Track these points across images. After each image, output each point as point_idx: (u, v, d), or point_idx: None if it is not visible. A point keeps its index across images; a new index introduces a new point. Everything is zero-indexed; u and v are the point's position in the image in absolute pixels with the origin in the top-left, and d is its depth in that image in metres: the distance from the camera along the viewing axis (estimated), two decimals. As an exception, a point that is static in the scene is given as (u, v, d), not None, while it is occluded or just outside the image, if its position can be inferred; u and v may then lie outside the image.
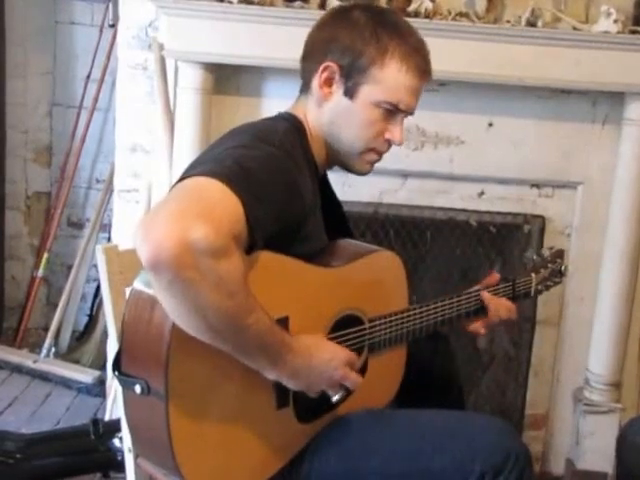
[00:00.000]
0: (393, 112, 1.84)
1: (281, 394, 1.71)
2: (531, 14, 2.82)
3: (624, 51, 2.80)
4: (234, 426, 1.65)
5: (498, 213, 3.07)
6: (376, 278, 1.94)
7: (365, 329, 1.86)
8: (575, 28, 2.86)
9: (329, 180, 2.05)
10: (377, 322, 1.88)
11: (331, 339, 1.78)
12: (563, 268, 2.29)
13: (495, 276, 2.16)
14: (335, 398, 1.74)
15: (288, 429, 1.76)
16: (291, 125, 1.84)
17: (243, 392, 1.65)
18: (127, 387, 1.63)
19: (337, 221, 2.03)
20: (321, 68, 1.83)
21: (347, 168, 1.94)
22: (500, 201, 3.06)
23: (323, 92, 1.84)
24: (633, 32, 2.84)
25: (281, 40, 2.68)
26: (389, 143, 1.89)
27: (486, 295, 2.10)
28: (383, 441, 1.78)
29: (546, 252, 2.29)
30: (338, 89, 1.83)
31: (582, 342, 3.10)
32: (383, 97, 1.81)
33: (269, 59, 2.76)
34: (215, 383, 1.61)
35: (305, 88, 1.90)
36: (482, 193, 3.05)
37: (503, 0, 2.89)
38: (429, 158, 2.97)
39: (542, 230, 3.07)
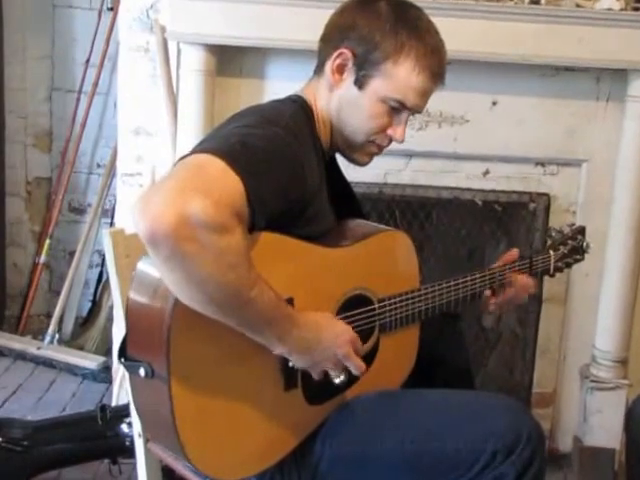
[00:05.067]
0: (399, 109, 1.84)
1: (288, 376, 1.71)
2: (534, -9, 2.81)
3: (627, 28, 2.78)
4: (240, 408, 1.65)
5: (503, 192, 3.05)
6: (385, 258, 1.94)
7: (375, 309, 1.86)
8: (578, 5, 2.84)
9: (338, 163, 2.04)
10: (387, 302, 1.87)
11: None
12: (585, 245, 2.27)
13: (513, 253, 2.14)
14: (337, 380, 1.73)
15: (297, 411, 1.75)
16: (299, 107, 1.83)
17: (248, 374, 1.65)
18: (132, 371, 1.64)
19: (348, 203, 2.03)
20: (335, 54, 1.82)
21: (346, 156, 1.94)
22: (505, 180, 3.05)
23: (334, 78, 1.84)
24: (636, 9, 2.83)
25: (284, 21, 2.67)
26: (390, 139, 1.89)
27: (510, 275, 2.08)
28: (395, 423, 1.79)
29: (566, 229, 2.26)
30: (349, 77, 1.83)
31: (588, 319, 3.10)
32: (391, 94, 1.81)
33: (272, 40, 2.74)
34: (218, 365, 1.61)
35: (319, 70, 1.90)
36: (487, 172, 3.04)
37: (506, -22, 2.88)
38: (433, 137, 2.95)
39: (547, 208, 3.05)
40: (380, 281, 1.88)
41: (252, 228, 1.57)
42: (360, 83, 1.82)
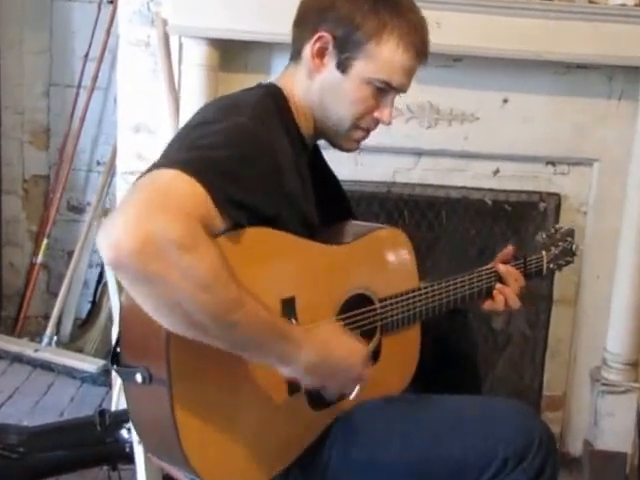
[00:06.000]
0: (384, 90, 1.78)
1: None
2: (547, -13, 2.76)
3: (640, 24, 2.74)
4: (244, 412, 1.59)
5: (513, 191, 3.02)
6: (383, 256, 1.91)
7: (376, 309, 1.82)
8: (591, 1, 2.80)
9: (322, 154, 1.99)
10: (388, 302, 1.84)
11: (341, 320, 1.73)
12: (574, 247, 2.24)
13: (509, 249, 2.11)
14: (352, 396, 1.70)
15: (302, 417, 1.70)
16: (266, 93, 1.76)
17: (252, 376, 1.59)
18: (128, 379, 1.57)
19: (335, 199, 1.98)
20: (314, 38, 1.75)
21: (333, 144, 1.87)
22: (515, 179, 3.01)
23: (314, 63, 1.76)
24: (650, 5, 2.79)
25: (290, 14, 2.59)
26: (377, 122, 1.83)
27: (501, 267, 2.05)
28: (402, 428, 1.74)
29: (555, 231, 2.24)
30: (330, 61, 1.75)
31: (599, 321, 3.06)
32: (376, 74, 1.75)
33: (278, 34, 2.63)
34: (221, 368, 1.54)
35: (295, 56, 1.82)
36: (497, 171, 3.00)
37: (519, -27, 2.83)
38: (443, 136, 2.91)
39: (558, 208, 3.02)
40: (379, 280, 1.85)
41: (240, 226, 1.52)
42: (343, 66, 1.75)
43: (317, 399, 1.71)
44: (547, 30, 2.73)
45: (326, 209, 1.87)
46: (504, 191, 3.02)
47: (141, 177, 1.47)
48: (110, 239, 1.34)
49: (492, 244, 3.09)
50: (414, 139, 2.86)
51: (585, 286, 3.08)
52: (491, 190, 3.01)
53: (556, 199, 3.01)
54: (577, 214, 3.03)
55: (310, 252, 1.71)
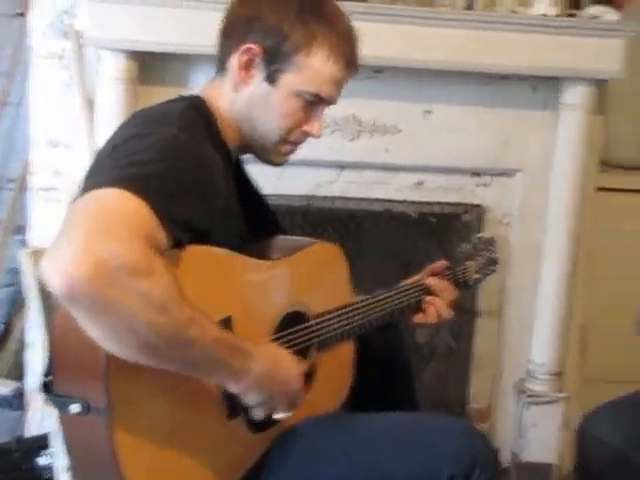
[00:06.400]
0: (314, 103, 1.74)
1: (231, 403, 1.59)
2: (467, -4, 2.75)
3: (563, 35, 2.75)
4: (184, 439, 1.53)
5: (437, 203, 3.00)
6: (318, 271, 1.88)
7: (311, 326, 1.78)
8: (513, 11, 2.80)
9: (245, 170, 1.94)
10: (323, 318, 1.81)
11: (277, 338, 1.69)
12: (496, 256, 2.26)
13: (442, 263, 2.12)
14: (283, 415, 1.64)
15: (241, 440, 1.65)
16: (190, 104, 1.70)
17: (191, 403, 1.53)
18: (62, 408, 1.47)
19: (260, 212, 1.94)
20: (241, 50, 1.70)
21: (260, 158, 1.83)
22: (440, 191, 2.99)
23: (241, 76, 1.72)
24: (571, 15, 2.80)
25: (209, 26, 2.52)
26: (306, 135, 1.79)
27: (430, 279, 2.06)
28: (341, 450, 1.69)
29: (477, 240, 2.25)
30: (258, 73, 1.71)
31: (524, 333, 3.07)
32: (305, 87, 1.71)
33: (196, 46, 2.59)
34: (160, 394, 1.48)
35: (220, 67, 1.78)
36: (420, 183, 2.97)
37: (438, -18, 2.81)
38: (365, 148, 2.87)
39: (480, 220, 3.01)
40: (315, 296, 1.82)
41: (180, 243, 1.45)
42: (271, 78, 1.70)
43: (255, 422, 1.65)
44: (468, 40, 2.72)
45: (253, 224, 1.82)
46: (428, 203, 2.99)
47: (79, 197, 1.38)
48: (59, 269, 1.26)
49: (417, 256, 3.06)
50: (337, 152, 2.82)
51: (509, 298, 3.09)
52: (415, 202, 2.99)
53: (479, 210, 3.01)
54: (500, 225, 3.02)
55: (245, 269, 1.66)
